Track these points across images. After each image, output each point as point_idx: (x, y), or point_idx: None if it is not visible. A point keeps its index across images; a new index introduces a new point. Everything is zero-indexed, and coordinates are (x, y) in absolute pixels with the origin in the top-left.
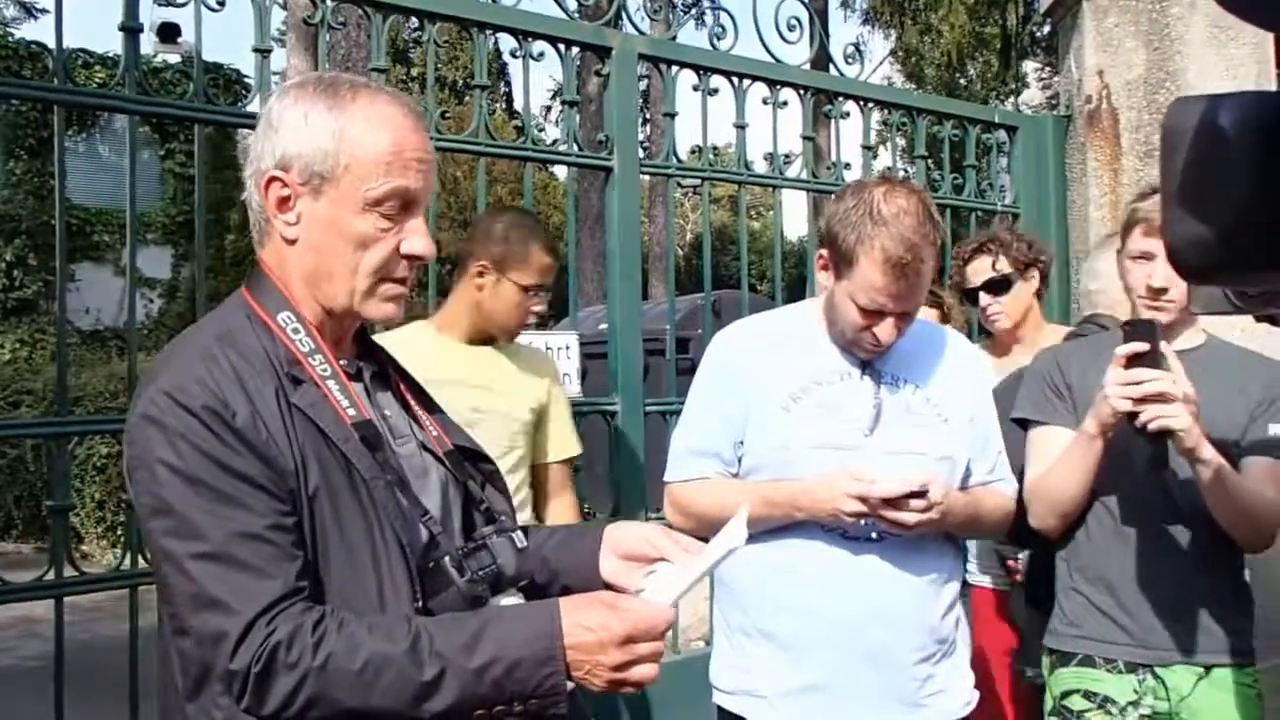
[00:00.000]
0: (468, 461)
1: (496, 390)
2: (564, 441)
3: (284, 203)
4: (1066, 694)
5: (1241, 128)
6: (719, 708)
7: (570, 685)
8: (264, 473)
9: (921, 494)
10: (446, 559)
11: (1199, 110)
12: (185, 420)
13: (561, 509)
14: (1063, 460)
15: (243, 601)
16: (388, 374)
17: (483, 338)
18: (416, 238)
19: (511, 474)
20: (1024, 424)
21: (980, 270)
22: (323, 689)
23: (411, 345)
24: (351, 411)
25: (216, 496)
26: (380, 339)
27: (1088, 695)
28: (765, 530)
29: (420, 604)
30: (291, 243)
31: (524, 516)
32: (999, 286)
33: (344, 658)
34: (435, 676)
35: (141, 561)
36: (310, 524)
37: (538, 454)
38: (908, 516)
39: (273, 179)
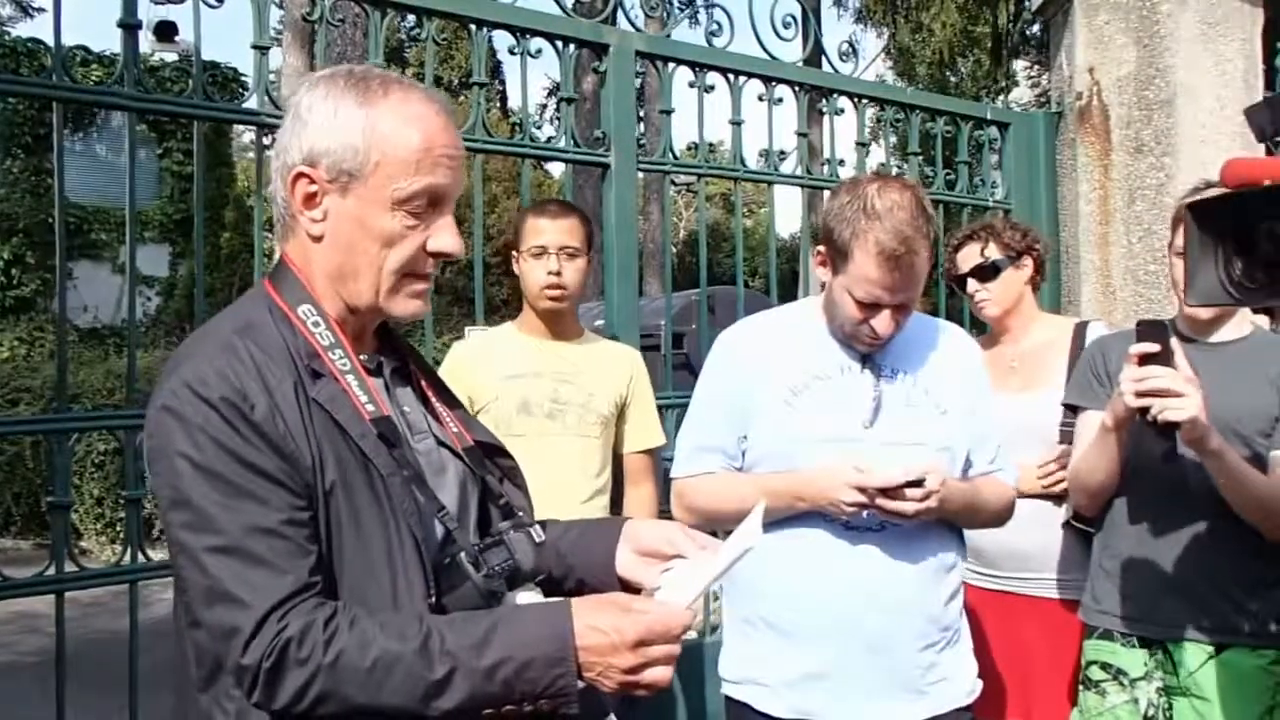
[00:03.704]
0: (488, 457)
1: (576, 383)
2: (644, 432)
3: (310, 199)
4: (1090, 664)
5: None
6: (726, 697)
7: (581, 684)
8: (280, 467)
9: (919, 483)
10: (462, 555)
11: None
12: (204, 412)
13: (639, 499)
14: (1089, 447)
15: (256, 596)
16: (408, 369)
17: (558, 330)
18: (445, 235)
19: (590, 462)
20: (1074, 408)
21: (969, 257)
22: (333, 685)
23: (495, 344)
24: (370, 407)
25: (232, 490)
26: (467, 341)
27: (1104, 667)
28: (768, 521)
29: (435, 600)
30: (317, 239)
31: (603, 503)
32: (987, 273)
33: (355, 655)
34: (445, 675)
35: (141, 557)
36: (326, 519)
37: (619, 444)
38: (906, 506)
39: (299, 175)
